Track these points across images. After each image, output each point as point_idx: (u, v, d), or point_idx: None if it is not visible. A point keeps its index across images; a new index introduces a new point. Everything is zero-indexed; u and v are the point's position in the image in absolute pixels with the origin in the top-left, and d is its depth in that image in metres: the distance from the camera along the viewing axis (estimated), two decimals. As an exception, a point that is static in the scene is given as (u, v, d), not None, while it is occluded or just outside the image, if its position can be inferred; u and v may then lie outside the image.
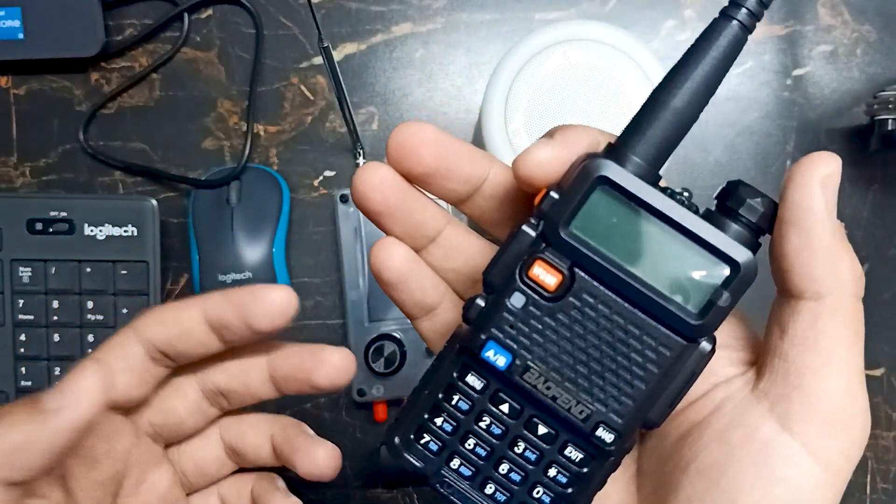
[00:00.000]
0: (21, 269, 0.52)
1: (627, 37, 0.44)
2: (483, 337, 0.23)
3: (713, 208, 0.23)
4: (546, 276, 0.23)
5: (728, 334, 0.25)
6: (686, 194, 0.23)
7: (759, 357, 0.24)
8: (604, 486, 0.24)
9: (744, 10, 0.22)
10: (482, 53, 0.56)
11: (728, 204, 0.23)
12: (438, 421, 0.25)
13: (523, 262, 0.23)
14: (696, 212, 0.22)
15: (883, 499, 0.56)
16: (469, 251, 0.26)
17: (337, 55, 0.56)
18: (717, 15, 0.22)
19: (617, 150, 0.23)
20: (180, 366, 0.29)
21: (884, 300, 0.56)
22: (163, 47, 0.56)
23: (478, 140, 0.48)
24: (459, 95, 0.56)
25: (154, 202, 0.53)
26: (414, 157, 0.24)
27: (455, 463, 0.25)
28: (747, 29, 0.22)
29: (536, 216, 0.23)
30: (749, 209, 0.23)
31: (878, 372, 0.56)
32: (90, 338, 0.53)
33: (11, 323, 0.53)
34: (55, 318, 0.53)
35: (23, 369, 0.53)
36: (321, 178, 0.56)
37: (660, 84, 0.23)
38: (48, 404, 0.24)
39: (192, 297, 0.28)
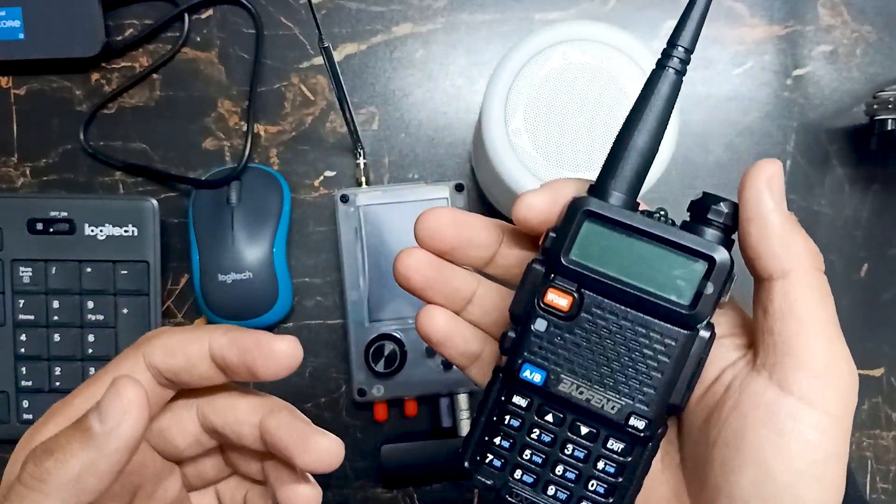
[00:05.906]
0: (21, 269, 0.52)
1: (627, 37, 0.44)
2: (519, 361, 0.28)
3: (688, 219, 0.27)
4: (559, 299, 0.27)
5: (729, 324, 0.29)
6: (662, 212, 0.27)
7: (754, 338, 0.28)
8: (649, 470, 0.28)
9: (675, 59, 0.27)
10: (482, 53, 0.56)
11: (697, 212, 0.27)
12: (497, 440, 0.29)
13: (538, 292, 0.27)
14: (672, 224, 0.27)
15: (883, 499, 0.56)
16: (501, 304, 0.31)
17: (337, 55, 0.56)
18: (655, 66, 0.27)
19: (597, 188, 0.27)
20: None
21: (884, 300, 0.56)
22: (163, 47, 0.56)
23: (478, 140, 0.48)
24: (459, 95, 0.56)
25: (154, 202, 0.53)
26: (438, 238, 0.29)
27: (518, 474, 0.28)
28: (680, 73, 0.27)
29: (542, 253, 0.27)
30: (715, 212, 0.27)
31: (877, 372, 0.56)
32: (90, 337, 0.53)
33: (12, 323, 0.53)
34: (55, 317, 0.53)
35: (23, 369, 0.53)
36: (321, 178, 0.56)
37: (622, 128, 0.27)
38: (97, 427, 0.25)
39: (200, 328, 0.28)
